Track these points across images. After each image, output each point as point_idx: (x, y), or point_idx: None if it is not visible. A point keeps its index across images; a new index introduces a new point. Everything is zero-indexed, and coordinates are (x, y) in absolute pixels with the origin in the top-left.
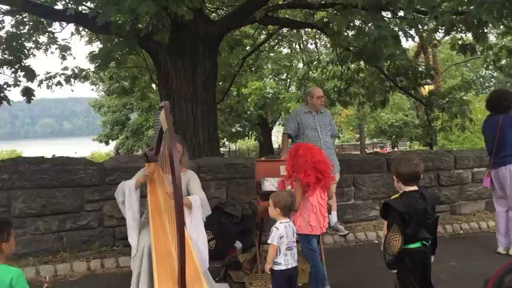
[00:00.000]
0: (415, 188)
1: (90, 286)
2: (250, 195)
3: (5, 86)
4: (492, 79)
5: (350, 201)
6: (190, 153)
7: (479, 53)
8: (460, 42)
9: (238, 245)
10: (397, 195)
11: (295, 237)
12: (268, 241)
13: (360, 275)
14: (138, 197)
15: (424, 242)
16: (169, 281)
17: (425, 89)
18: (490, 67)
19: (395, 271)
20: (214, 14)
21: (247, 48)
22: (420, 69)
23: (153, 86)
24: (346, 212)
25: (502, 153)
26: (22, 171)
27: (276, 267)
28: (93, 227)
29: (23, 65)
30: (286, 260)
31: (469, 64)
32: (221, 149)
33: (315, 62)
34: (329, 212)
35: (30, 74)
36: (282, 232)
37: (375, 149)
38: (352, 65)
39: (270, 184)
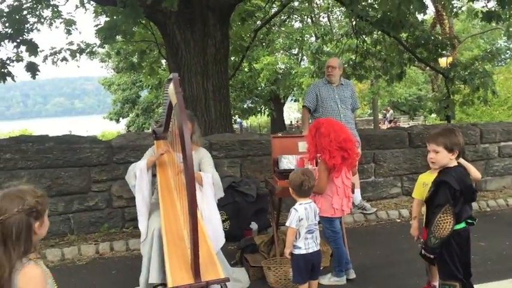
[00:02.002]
0: (456, 162)
1: (99, 270)
2: (266, 173)
3: (7, 62)
4: (508, 51)
5: (370, 178)
6: (202, 129)
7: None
8: (482, 9)
9: (253, 226)
10: (437, 171)
11: (317, 219)
12: (287, 224)
13: (385, 256)
14: (149, 178)
15: (470, 221)
16: (182, 268)
17: (444, 61)
18: None
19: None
20: None
21: (258, 22)
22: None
23: (163, 61)
24: (367, 190)
25: None
26: (25, 150)
27: (296, 251)
28: (101, 208)
29: (24, 38)
30: (307, 244)
31: (484, 36)
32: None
33: (329, 36)
34: (352, 191)
35: (33, 48)
36: (302, 214)
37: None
38: (368, 38)
39: (287, 162)
